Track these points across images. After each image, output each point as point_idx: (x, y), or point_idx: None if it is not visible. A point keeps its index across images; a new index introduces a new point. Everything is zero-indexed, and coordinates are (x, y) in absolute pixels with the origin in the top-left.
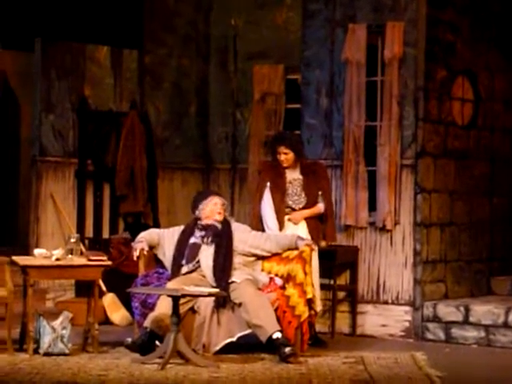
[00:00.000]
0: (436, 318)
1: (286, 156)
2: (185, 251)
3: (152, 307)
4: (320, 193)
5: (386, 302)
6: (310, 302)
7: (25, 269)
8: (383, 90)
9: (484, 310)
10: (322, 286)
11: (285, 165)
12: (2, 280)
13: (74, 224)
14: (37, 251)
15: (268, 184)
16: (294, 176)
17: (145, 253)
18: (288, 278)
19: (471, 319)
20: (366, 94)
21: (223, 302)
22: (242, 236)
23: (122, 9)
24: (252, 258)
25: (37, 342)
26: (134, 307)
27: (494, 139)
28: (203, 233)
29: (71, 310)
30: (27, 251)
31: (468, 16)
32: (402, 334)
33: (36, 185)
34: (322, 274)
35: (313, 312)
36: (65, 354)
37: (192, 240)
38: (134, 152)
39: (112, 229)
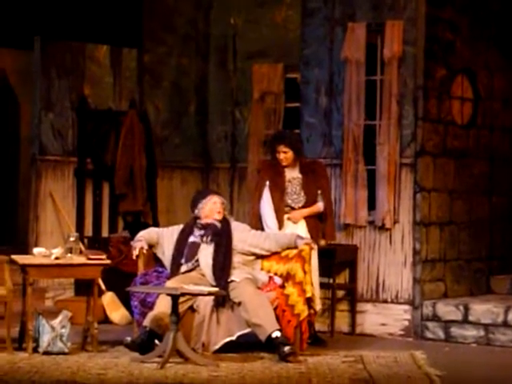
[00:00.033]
0: (435, 317)
1: (285, 155)
2: (184, 250)
3: (151, 306)
4: (319, 192)
5: (385, 301)
6: (309, 301)
7: (24, 268)
8: (382, 88)
9: (483, 309)
10: (322, 285)
11: (284, 164)
12: (1, 279)
13: (74, 223)
14: (36, 250)
15: (267, 183)
16: (293, 175)
17: (144, 252)
18: (287, 277)
19: (470, 318)
20: (366, 93)
21: (222, 300)
22: (242, 235)
23: (122, 8)
24: (251, 257)
25: (36, 340)
26: (134, 306)
27: (494, 138)
28: (202, 232)
29: (70, 308)
30: (26, 250)
31: (467, 15)
32: (402, 332)
33: (35, 183)
34: (322, 273)
35: (312, 311)
36: (64, 353)
37: (191, 239)
38: (134, 151)
39: (111, 228)
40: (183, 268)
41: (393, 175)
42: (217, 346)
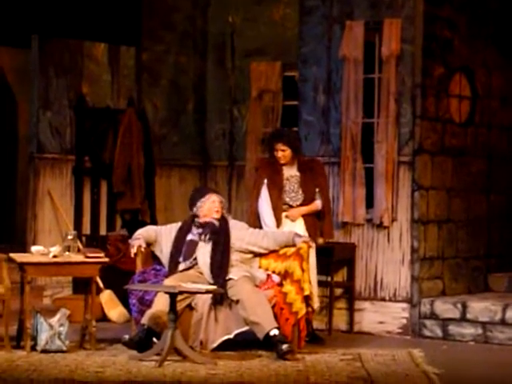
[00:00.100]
0: (433, 315)
1: (283, 153)
2: (182, 248)
3: (149, 304)
4: (317, 190)
5: (383, 299)
6: (307, 299)
7: (22, 266)
8: (380, 87)
9: (481, 307)
10: (320, 283)
11: (282, 162)
12: None
13: (72, 221)
14: (34, 248)
15: (265, 181)
16: (291, 173)
17: (142, 250)
18: (285, 275)
19: (468, 316)
20: (364, 91)
21: (220, 298)
22: (240, 233)
23: (120, 5)
24: (249, 255)
25: (34, 339)
26: (132, 304)
27: (492, 136)
28: (200, 230)
29: (68, 306)
30: (24, 248)
31: (465, 13)
32: (400, 330)
33: (33, 182)
34: (320, 271)
35: (310, 309)
36: (62, 351)
37: (189, 237)
38: (132, 149)
39: (109, 226)
40: (181, 266)
41: (391, 173)
42: (215, 344)
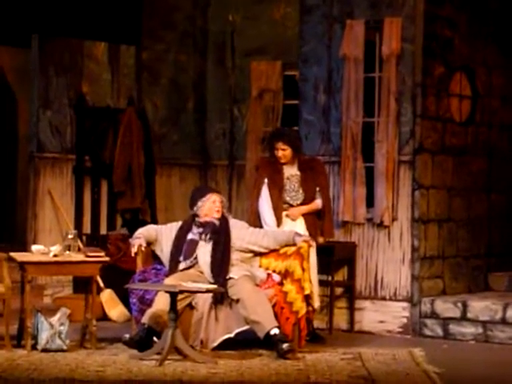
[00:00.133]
0: (434, 314)
1: (283, 152)
2: (182, 247)
3: (150, 303)
4: (318, 189)
5: (383, 298)
6: (307, 298)
7: (22, 265)
8: (381, 86)
9: (482, 306)
10: (320, 282)
11: (282, 161)
12: None
13: (72, 220)
14: (34, 247)
15: (266, 180)
16: (291, 172)
17: (143, 249)
18: (286, 274)
19: (469, 315)
20: (364, 91)
21: (221, 298)
22: (240, 233)
23: (120, 5)
24: (250, 255)
25: (35, 338)
26: (132, 303)
27: (492, 135)
28: (201, 230)
29: (69, 306)
30: (25, 247)
31: (466, 12)
32: (400, 330)
33: (34, 181)
34: (320, 270)
35: (310, 308)
36: (63, 350)
37: (190, 236)
38: (132, 148)
39: (110, 225)
40: (181, 265)
41: (391, 172)
42: (215, 343)
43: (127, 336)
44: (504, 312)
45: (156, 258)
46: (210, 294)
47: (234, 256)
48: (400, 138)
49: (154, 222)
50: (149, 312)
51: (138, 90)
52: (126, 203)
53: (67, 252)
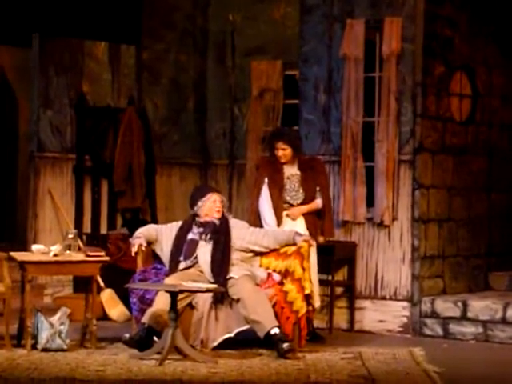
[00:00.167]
0: (434, 314)
1: (284, 152)
2: (183, 247)
3: (150, 303)
4: (318, 188)
5: (383, 298)
6: (308, 298)
7: (23, 264)
8: (381, 85)
9: (482, 306)
10: (320, 282)
11: (283, 160)
12: (0, 276)
13: (72, 220)
14: (35, 247)
15: (266, 180)
16: (291, 172)
17: (143, 248)
18: (286, 274)
19: (469, 315)
20: (364, 90)
21: (221, 297)
22: (240, 232)
23: (120, 4)
24: (250, 254)
25: (35, 337)
26: (132, 303)
27: (492, 135)
28: (201, 229)
29: (69, 305)
30: (25, 247)
31: (466, 11)
32: (400, 329)
33: (34, 180)
34: (320, 270)
35: (311, 307)
36: (63, 350)
37: (190, 236)
38: (132, 148)
39: (110, 224)
40: (182, 265)
41: (391, 172)
42: (215, 343)
43: (127, 335)
44: (504, 311)
45: (156, 258)
46: (210, 294)
47: (235, 256)
48: (400, 138)
49: (155, 221)
50: (149, 311)
51: (138, 89)
52: (126, 203)
53: (67, 251)
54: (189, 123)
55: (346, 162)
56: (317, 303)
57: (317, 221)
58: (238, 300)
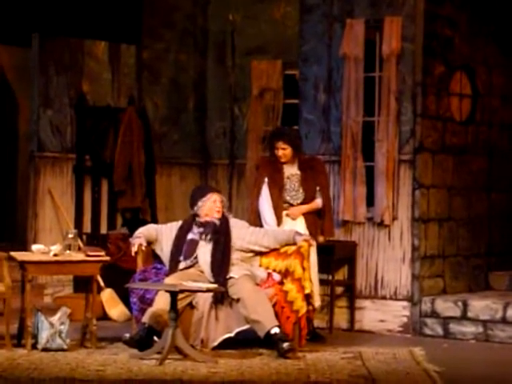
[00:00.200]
0: (434, 314)
1: (284, 151)
2: (182, 247)
3: (150, 303)
4: (318, 188)
5: (384, 298)
6: (308, 298)
7: (23, 264)
8: (381, 85)
9: (482, 306)
10: (321, 282)
11: (283, 160)
12: (0, 275)
13: (72, 219)
14: (35, 247)
15: (266, 179)
16: (291, 171)
17: (143, 248)
18: (286, 274)
19: (469, 314)
20: (364, 90)
21: (221, 297)
22: (240, 232)
23: (120, 4)
24: (250, 254)
25: (35, 337)
26: (132, 303)
27: (492, 134)
28: (201, 229)
29: (69, 305)
30: (25, 247)
31: (466, 11)
32: (400, 329)
33: (34, 180)
34: (320, 270)
35: (311, 307)
36: (63, 350)
37: (190, 236)
38: (132, 147)
39: (110, 224)
40: (182, 265)
41: (391, 172)
42: (215, 343)
43: (127, 335)
44: (504, 311)
45: (156, 258)
46: (211, 294)
47: (235, 255)
48: (400, 138)
49: (155, 221)
50: (149, 311)
51: (138, 89)
52: (126, 202)
53: (67, 251)
54: (189, 123)
55: (346, 161)
56: (317, 303)
57: (317, 220)
58: (238, 300)
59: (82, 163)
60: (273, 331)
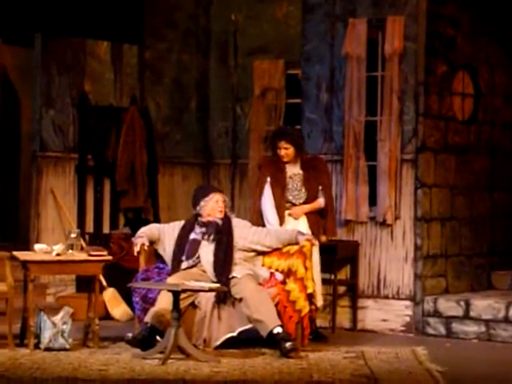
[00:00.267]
0: (436, 313)
1: (286, 151)
2: (185, 247)
3: (152, 302)
4: (320, 188)
5: (386, 297)
6: (310, 297)
7: (25, 264)
8: (383, 84)
9: (484, 305)
10: (323, 281)
11: (285, 160)
12: (2, 275)
13: (75, 219)
14: (37, 246)
15: (268, 179)
16: (294, 171)
17: (145, 248)
18: (288, 273)
19: (472, 314)
20: (367, 89)
21: (224, 297)
22: (243, 232)
23: (122, 3)
24: (252, 254)
25: (37, 337)
26: (135, 302)
27: (495, 134)
28: (204, 229)
29: (72, 305)
30: (28, 246)
31: (468, 10)
32: (403, 328)
33: (36, 180)
34: (323, 269)
35: (313, 307)
36: (65, 349)
37: (192, 236)
38: (135, 147)
39: (112, 224)
40: (184, 265)
41: (394, 171)
42: (218, 342)
43: (130, 335)
44: (507, 310)
45: (159, 257)
46: (213, 293)
47: (237, 255)
48: (402, 137)
49: (157, 220)
50: (152, 311)
51: (140, 89)
52: (128, 202)
53: (70, 251)
54: (191, 123)
55: (349, 161)
56: (319, 302)
57: (319, 220)
58: (240, 299)
59: (85, 163)
60: (275, 331)
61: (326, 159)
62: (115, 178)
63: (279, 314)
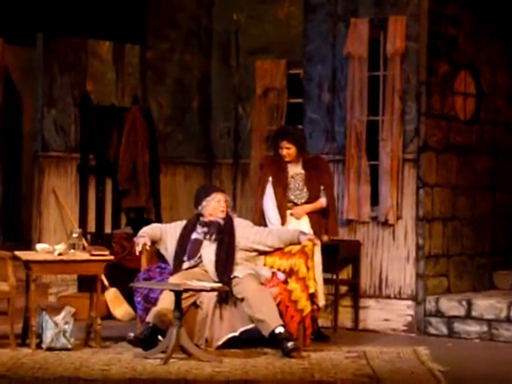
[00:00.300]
0: (438, 313)
1: (288, 151)
2: (187, 247)
3: (154, 302)
4: (322, 187)
5: (388, 297)
6: (312, 297)
7: (27, 264)
8: (385, 84)
9: (486, 305)
10: (325, 281)
11: (287, 159)
12: (4, 275)
13: (77, 219)
14: (39, 246)
15: (270, 179)
16: (296, 171)
17: (147, 248)
18: (290, 273)
19: (474, 314)
20: (368, 89)
21: (226, 296)
22: (244, 232)
23: (124, 3)
24: (254, 253)
25: (39, 336)
26: (137, 302)
27: (497, 133)
28: (206, 229)
29: (74, 304)
30: (29, 246)
31: (470, 10)
32: (405, 328)
33: (38, 180)
34: (325, 269)
35: (315, 306)
36: (67, 349)
37: (194, 236)
38: (137, 147)
39: (114, 224)
40: (186, 265)
41: (396, 171)
42: (220, 342)
43: (132, 335)
44: (509, 310)
45: (160, 257)
46: (215, 293)
47: (239, 255)
48: (404, 137)
49: (159, 220)
50: (153, 311)
51: (142, 89)
52: (130, 202)
53: (72, 251)
54: (193, 123)
55: (351, 160)
56: (321, 302)
57: (321, 220)
58: (242, 299)
59: (86, 163)
60: (277, 330)
61: (328, 159)
62: (117, 178)
63: (281, 314)
